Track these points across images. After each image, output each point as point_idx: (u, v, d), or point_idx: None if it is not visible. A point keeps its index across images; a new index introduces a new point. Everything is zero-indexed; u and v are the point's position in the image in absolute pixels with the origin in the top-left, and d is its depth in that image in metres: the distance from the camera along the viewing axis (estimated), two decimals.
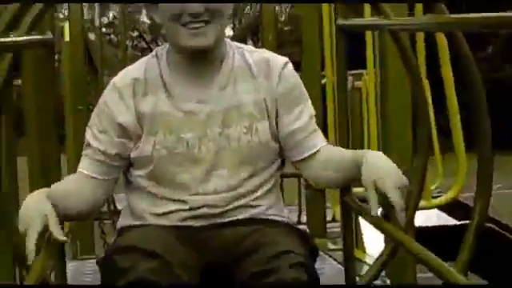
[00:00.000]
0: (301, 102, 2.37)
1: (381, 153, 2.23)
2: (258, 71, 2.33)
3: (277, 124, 2.34)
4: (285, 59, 2.39)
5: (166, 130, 2.27)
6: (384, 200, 2.06)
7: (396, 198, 2.05)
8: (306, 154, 2.35)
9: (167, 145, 2.27)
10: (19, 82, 3.58)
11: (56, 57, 5.56)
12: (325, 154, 2.35)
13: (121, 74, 2.36)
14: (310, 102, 2.41)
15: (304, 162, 2.37)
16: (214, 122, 2.28)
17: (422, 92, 2.22)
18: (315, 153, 2.35)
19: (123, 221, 2.40)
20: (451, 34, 1.85)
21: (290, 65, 2.38)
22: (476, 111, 1.83)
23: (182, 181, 2.28)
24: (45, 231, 2.09)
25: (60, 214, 2.16)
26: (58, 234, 2.10)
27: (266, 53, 2.40)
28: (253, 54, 2.37)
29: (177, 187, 2.28)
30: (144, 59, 2.38)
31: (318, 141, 2.37)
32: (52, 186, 2.28)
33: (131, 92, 2.29)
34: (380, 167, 2.12)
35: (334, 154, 2.34)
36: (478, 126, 1.84)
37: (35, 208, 2.13)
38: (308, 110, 2.38)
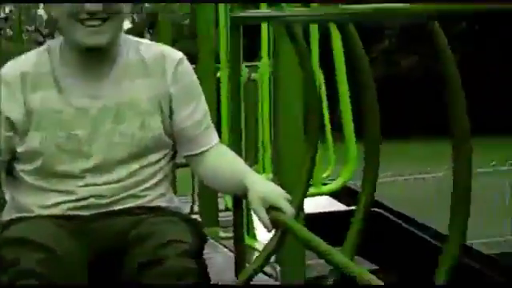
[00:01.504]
0: (194, 99, 2.36)
1: (258, 175, 2.31)
2: (152, 67, 2.31)
3: (170, 119, 2.32)
4: (180, 55, 2.36)
5: (56, 126, 2.23)
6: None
7: (287, 207, 2.12)
8: (197, 151, 2.36)
9: (57, 141, 2.23)
10: None
11: None
12: (214, 156, 2.36)
13: (8, 65, 2.30)
14: (203, 98, 2.40)
15: (194, 158, 2.37)
16: (106, 118, 2.25)
17: (311, 82, 2.24)
18: (206, 151, 2.36)
19: (8, 215, 2.34)
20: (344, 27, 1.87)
21: (186, 61, 2.37)
22: (364, 98, 1.86)
23: (71, 174, 2.24)
24: None
25: None
26: None
27: (162, 48, 2.38)
28: (148, 48, 2.34)
29: (65, 179, 2.24)
30: (34, 52, 2.32)
31: (210, 139, 2.38)
32: None
33: (20, 86, 2.24)
34: (264, 186, 2.20)
35: (221, 161, 2.35)
36: (366, 112, 1.87)
37: None
38: (202, 106, 2.38)
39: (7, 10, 32.54)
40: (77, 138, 2.23)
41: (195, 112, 2.34)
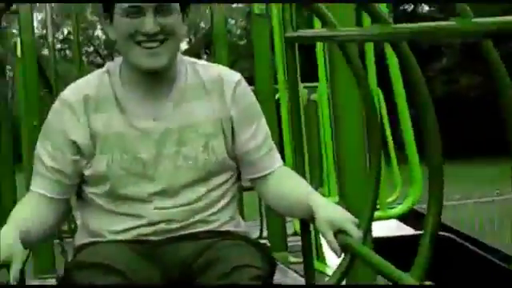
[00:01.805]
0: (255, 121, 2.37)
1: (324, 198, 2.26)
2: (211, 89, 2.33)
3: (233, 141, 2.34)
4: (237, 76, 2.38)
5: (120, 149, 2.25)
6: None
7: (355, 231, 2.08)
8: (260, 174, 2.37)
9: (123, 165, 2.25)
10: None
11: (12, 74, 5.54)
12: (278, 179, 2.36)
13: (70, 88, 2.33)
14: (264, 119, 2.42)
15: (257, 181, 2.39)
16: (170, 140, 2.27)
17: (369, 102, 2.23)
18: (269, 174, 2.37)
19: (81, 239, 2.38)
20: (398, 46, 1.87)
21: (244, 82, 2.39)
22: (424, 119, 1.84)
23: (139, 197, 2.26)
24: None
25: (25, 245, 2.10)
26: (15, 277, 2.00)
27: (219, 69, 2.40)
28: (206, 69, 2.37)
29: (134, 203, 2.27)
30: (94, 74, 2.36)
31: (273, 162, 2.38)
32: (14, 214, 2.21)
33: (83, 109, 2.27)
34: (330, 209, 2.16)
35: (286, 185, 2.34)
36: (427, 134, 1.85)
37: (5, 246, 2.02)
38: (262, 128, 2.39)
39: (66, 32, 33.11)
40: (142, 160, 2.25)
41: (256, 134, 2.36)
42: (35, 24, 4.95)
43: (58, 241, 4.95)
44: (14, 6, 4.45)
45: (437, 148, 1.84)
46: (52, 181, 2.28)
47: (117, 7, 2.21)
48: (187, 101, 2.30)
